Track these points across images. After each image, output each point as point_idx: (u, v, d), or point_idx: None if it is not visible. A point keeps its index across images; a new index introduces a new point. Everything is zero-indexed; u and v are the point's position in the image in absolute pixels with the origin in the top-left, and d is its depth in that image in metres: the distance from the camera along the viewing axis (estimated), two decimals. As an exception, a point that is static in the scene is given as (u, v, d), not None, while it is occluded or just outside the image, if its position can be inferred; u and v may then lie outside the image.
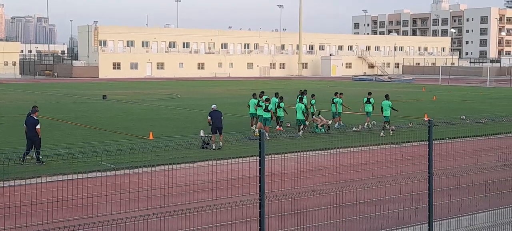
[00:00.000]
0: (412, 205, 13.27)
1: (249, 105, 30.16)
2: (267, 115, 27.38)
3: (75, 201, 13.86)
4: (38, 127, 20.08)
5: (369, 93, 32.18)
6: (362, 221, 12.93)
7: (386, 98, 29.72)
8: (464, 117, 34.48)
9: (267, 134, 26.54)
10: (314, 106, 31.46)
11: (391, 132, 27.99)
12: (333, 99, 31.71)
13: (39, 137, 20.13)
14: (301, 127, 27.66)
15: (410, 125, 30.79)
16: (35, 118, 20.38)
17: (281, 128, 29.43)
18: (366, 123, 30.45)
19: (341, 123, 31.42)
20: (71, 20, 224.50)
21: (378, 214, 13.10)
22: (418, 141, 20.60)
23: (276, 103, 29.55)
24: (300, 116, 27.81)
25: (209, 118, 24.49)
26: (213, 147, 23.45)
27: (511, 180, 15.37)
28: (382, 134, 27.41)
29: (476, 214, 13.15)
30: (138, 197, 13.98)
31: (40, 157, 19.53)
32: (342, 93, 32.36)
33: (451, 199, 13.72)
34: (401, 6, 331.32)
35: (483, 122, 32.35)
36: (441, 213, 12.78)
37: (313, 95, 32.45)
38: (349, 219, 12.84)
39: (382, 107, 29.34)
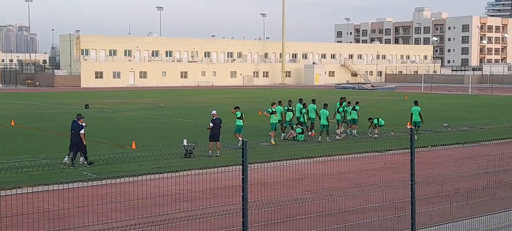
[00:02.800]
0: (395, 213, 13.30)
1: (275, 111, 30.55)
2: (239, 123, 27.51)
3: (57, 212, 13.72)
4: (82, 132, 21.52)
5: (357, 102, 32.76)
6: (345, 229, 12.93)
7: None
8: (446, 124, 34.70)
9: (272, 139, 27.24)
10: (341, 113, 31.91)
11: (375, 136, 28.82)
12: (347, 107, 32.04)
13: (84, 143, 21.45)
14: (326, 132, 29.23)
15: (393, 133, 31.17)
16: (80, 124, 21.84)
17: (314, 133, 30.65)
18: (354, 130, 30.97)
19: (354, 131, 31.47)
20: (52, 29, 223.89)
21: (361, 223, 13.12)
22: (401, 149, 20.69)
23: (300, 109, 30.76)
24: (324, 121, 29.26)
25: (211, 124, 24.51)
26: (210, 154, 23.40)
27: (493, 187, 15.46)
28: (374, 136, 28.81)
29: (459, 221, 13.20)
30: (120, 207, 13.87)
31: (88, 160, 21.05)
32: (357, 102, 33.22)
33: (434, 206, 13.77)
34: (384, 14, 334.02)
35: (465, 129, 32.58)
36: (424, 221, 12.82)
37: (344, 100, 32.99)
38: (333, 228, 12.83)
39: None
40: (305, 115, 30.69)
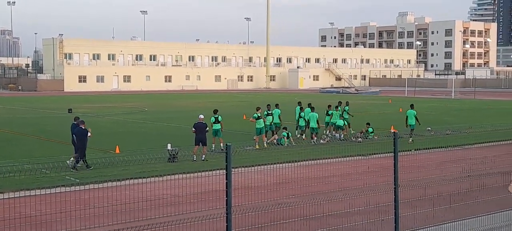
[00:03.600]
0: (378, 216, 13.34)
1: (301, 116, 31.13)
2: (217, 127, 27.32)
3: (39, 217, 13.62)
4: (89, 135, 22.43)
5: (347, 103, 33.75)
6: (330, 233, 12.94)
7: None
8: (429, 128, 34.88)
9: (265, 142, 27.30)
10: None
11: (359, 140, 29.24)
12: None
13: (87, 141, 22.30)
14: (315, 134, 29.59)
15: (376, 137, 31.32)
16: (84, 128, 22.51)
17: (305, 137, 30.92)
18: (339, 135, 31.21)
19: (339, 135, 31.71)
20: (35, 33, 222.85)
21: (345, 226, 13.15)
22: (384, 153, 20.78)
23: (299, 113, 31.50)
24: (313, 124, 29.68)
25: (193, 129, 24.58)
26: (194, 159, 23.43)
27: (476, 190, 15.57)
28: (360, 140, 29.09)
29: (442, 224, 13.28)
30: (104, 212, 13.80)
31: (86, 163, 21.69)
32: (347, 102, 34.13)
33: (417, 210, 13.83)
34: (367, 19, 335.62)
35: (448, 133, 32.78)
36: (407, 224, 12.88)
37: (340, 103, 33.45)
38: (317, 232, 12.84)
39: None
40: (303, 119, 30.92)
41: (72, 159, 22.11)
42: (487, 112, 53.72)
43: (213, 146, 26.85)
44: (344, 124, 31.57)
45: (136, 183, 18.07)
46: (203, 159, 23.66)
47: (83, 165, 21.79)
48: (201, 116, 25.39)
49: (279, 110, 31.74)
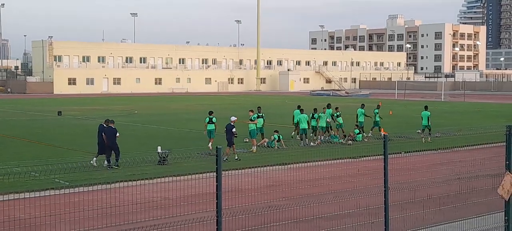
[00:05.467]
0: (368, 219, 13.36)
1: (319, 117, 31.57)
2: (211, 127, 28.46)
3: (28, 220, 13.55)
4: (117, 135, 23.18)
5: (336, 108, 33.84)
6: (320, 236, 12.94)
7: (362, 107, 33.96)
8: (419, 131, 34.97)
9: (254, 147, 27.25)
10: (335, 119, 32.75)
11: (350, 142, 29.43)
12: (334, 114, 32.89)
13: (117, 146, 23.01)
14: (305, 135, 29.94)
15: (366, 140, 31.41)
16: (114, 127, 23.33)
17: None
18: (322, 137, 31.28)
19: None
20: (25, 35, 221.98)
21: (335, 229, 13.16)
22: (374, 155, 20.83)
23: (332, 114, 32.32)
24: (304, 126, 30.02)
25: (225, 129, 25.44)
26: (225, 159, 23.58)
27: (465, 193, 15.62)
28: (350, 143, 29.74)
29: (432, 227, 13.32)
30: (93, 215, 13.75)
31: (118, 162, 22.27)
32: (337, 108, 34.14)
33: (407, 212, 13.86)
34: (358, 21, 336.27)
35: (438, 135, 32.90)
36: (397, 227, 12.91)
37: (337, 108, 33.76)
38: (307, 234, 12.84)
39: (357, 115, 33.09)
40: (317, 120, 31.38)
41: (95, 159, 22.85)
42: (477, 115, 53.95)
43: (210, 145, 27.57)
44: (329, 126, 32.01)
45: (126, 185, 18.01)
46: (236, 158, 24.24)
47: (114, 163, 22.57)
48: (233, 118, 26.20)
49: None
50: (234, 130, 25.31)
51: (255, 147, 27.49)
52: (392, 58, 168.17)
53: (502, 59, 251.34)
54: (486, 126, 40.14)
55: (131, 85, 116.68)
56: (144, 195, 16.42)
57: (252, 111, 29.68)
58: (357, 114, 33.75)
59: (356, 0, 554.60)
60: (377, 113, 34.37)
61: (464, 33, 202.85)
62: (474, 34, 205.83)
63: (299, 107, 32.30)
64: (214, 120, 28.56)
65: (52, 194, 16.80)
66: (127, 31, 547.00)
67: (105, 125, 23.69)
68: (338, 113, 32.97)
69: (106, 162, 22.62)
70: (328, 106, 33.06)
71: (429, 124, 32.31)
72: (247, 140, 30.32)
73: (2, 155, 26.42)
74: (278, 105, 67.39)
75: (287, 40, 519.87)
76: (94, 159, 22.90)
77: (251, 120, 28.96)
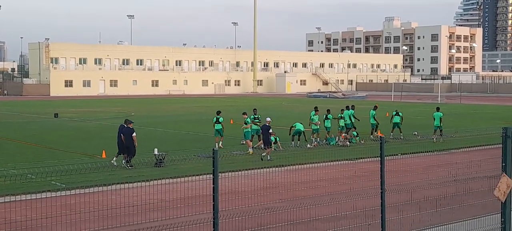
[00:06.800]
0: (365, 221, 13.36)
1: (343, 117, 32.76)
2: (218, 127, 29.28)
3: (25, 223, 13.52)
4: (134, 135, 23.31)
5: (342, 110, 33.78)
6: (317, 238, 12.93)
7: (350, 108, 33.94)
8: (416, 132, 35.05)
9: (250, 149, 27.31)
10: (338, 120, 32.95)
11: (347, 144, 29.54)
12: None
13: (136, 144, 23.31)
14: (299, 137, 30.27)
15: (362, 142, 31.41)
16: (131, 128, 23.58)
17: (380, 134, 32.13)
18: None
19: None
20: (21, 37, 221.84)
21: (332, 231, 13.15)
22: (371, 157, 20.84)
23: (353, 114, 33.19)
24: (300, 127, 30.19)
25: (261, 130, 26.48)
26: (267, 157, 24.79)
27: (461, 194, 15.63)
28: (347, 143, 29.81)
29: (428, 229, 13.33)
30: (90, 217, 13.72)
31: (131, 162, 22.75)
32: (353, 106, 34.61)
33: (404, 214, 13.87)
34: (354, 24, 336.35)
35: (434, 138, 32.92)
36: (394, 229, 12.91)
37: (342, 110, 33.77)
38: (304, 236, 12.84)
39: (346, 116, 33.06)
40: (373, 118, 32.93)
41: (115, 158, 23.33)
42: (473, 117, 54.05)
43: (216, 145, 28.46)
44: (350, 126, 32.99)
45: (122, 187, 17.98)
46: (268, 159, 24.72)
47: (125, 164, 22.86)
48: (268, 119, 27.13)
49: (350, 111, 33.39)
50: (271, 130, 26.20)
51: (251, 149, 27.47)
52: (388, 60, 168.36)
53: (498, 61, 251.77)
54: (482, 127, 40.21)
55: (128, 87, 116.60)
56: (141, 197, 16.40)
57: (245, 114, 29.65)
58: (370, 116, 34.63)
59: (352, 2, 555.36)
60: (374, 115, 34.46)
61: (461, 35, 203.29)
62: (471, 36, 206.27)
63: (316, 108, 32.66)
64: (220, 119, 29.34)
65: (48, 196, 16.80)
66: (123, 33, 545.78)
67: (125, 125, 24.09)
68: (341, 115, 32.91)
69: (124, 161, 23.10)
70: (351, 107, 34.28)
71: (441, 124, 32.93)
72: (244, 142, 30.31)
73: (-1, 157, 26.35)
74: (275, 107, 67.35)
75: (284, 42, 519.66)
76: (114, 158, 23.40)
77: (245, 124, 28.94)
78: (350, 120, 33.31)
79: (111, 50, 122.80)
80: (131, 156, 23.12)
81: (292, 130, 30.32)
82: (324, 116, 32.13)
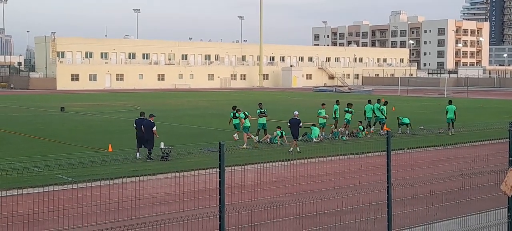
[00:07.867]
0: (371, 215, 13.37)
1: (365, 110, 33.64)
2: (235, 122, 29.33)
3: (32, 216, 13.58)
4: (154, 129, 23.81)
5: (349, 104, 33.49)
6: (323, 232, 12.94)
7: (369, 103, 34.35)
8: (422, 127, 34.97)
9: (245, 143, 27.27)
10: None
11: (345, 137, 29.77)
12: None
13: (157, 136, 24.09)
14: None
15: (369, 136, 31.37)
16: (152, 121, 24.03)
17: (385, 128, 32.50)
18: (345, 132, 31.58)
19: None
20: (28, 31, 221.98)
21: (338, 225, 13.16)
22: (377, 151, 20.81)
23: (378, 108, 33.60)
24: (315, 133, 30.03)
25: (289, 124, 26.46)
26: (291, 150, 25.07)
27: (468, 189, 15.62)
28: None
29: (434, 223, 13.31)
30: (96, 210, 13.76)
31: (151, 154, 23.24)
32: (351, 104, 33.53)
33: (410, 208, 13.87)
34: (360, 18, 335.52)
35: (441, 132, 32.86)
36: (400, 223, 12.90)
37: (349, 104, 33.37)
38: (309, 230, 12.86)
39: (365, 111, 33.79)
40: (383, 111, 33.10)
41: (138, 152, 23.66)
42: (480, 111, 53.89)
43: (237, 136, 28.86)
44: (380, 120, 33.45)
45: (128, 181, 18.03)
46: (298, 150, 25.06)
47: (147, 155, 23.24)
48: (296, 113, 27.21)
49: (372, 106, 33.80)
50: (301, 124, 26.42)
51: (246, 144, 27.31)
52: (395, 55, 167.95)
53: (505, 55, 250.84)
54: (489, 122, 40.09)
55: (134, 81, 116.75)
56: (147, 190, 16.44)
57: (239, 110, 29.53)
58: (364, 111, 34.31)
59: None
60: (384, 109, 34.04)
61: (467, 30, 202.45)
62: (477, 31, 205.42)
63: (337, 102, 33.27)
64: (237, 115, 29.30)
65: (55, 190, 16.88)
66: (130, 27, 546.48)
67: (144, 118, 24.51)
68: (349, 109, 32.67)
69: (138, 153, 23.57)
70: (375, 101, 34.71)
71: (455, 117, 33.09)
72: (251, 136, 30.33)
73: (5, 150, 26.47)
74: (280, 101, 67.31)
75: (290, 36, 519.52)
76: (137, 152, 23.68)
77: (242, 117, 29.00)
78: (375, 113, 33.58)
79: (117, 44, 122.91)
80: (150, 148, 23.52)
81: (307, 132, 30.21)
82: (345, 110, 32.05)
